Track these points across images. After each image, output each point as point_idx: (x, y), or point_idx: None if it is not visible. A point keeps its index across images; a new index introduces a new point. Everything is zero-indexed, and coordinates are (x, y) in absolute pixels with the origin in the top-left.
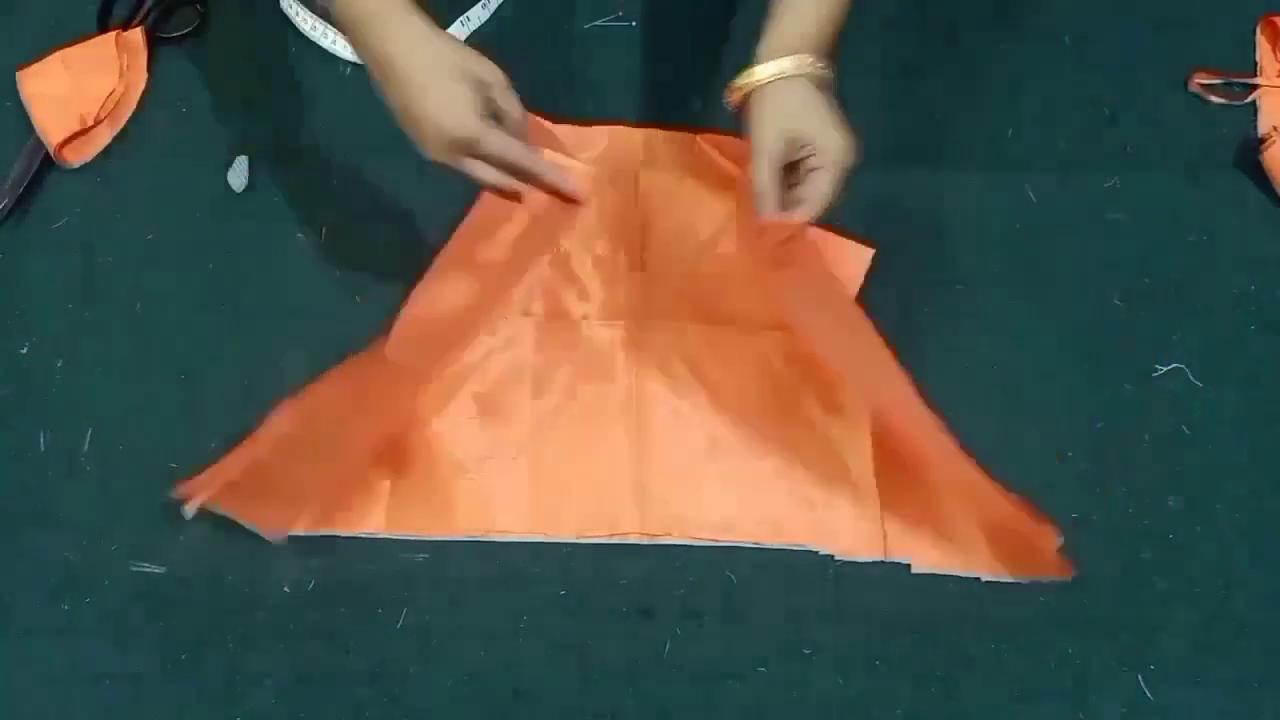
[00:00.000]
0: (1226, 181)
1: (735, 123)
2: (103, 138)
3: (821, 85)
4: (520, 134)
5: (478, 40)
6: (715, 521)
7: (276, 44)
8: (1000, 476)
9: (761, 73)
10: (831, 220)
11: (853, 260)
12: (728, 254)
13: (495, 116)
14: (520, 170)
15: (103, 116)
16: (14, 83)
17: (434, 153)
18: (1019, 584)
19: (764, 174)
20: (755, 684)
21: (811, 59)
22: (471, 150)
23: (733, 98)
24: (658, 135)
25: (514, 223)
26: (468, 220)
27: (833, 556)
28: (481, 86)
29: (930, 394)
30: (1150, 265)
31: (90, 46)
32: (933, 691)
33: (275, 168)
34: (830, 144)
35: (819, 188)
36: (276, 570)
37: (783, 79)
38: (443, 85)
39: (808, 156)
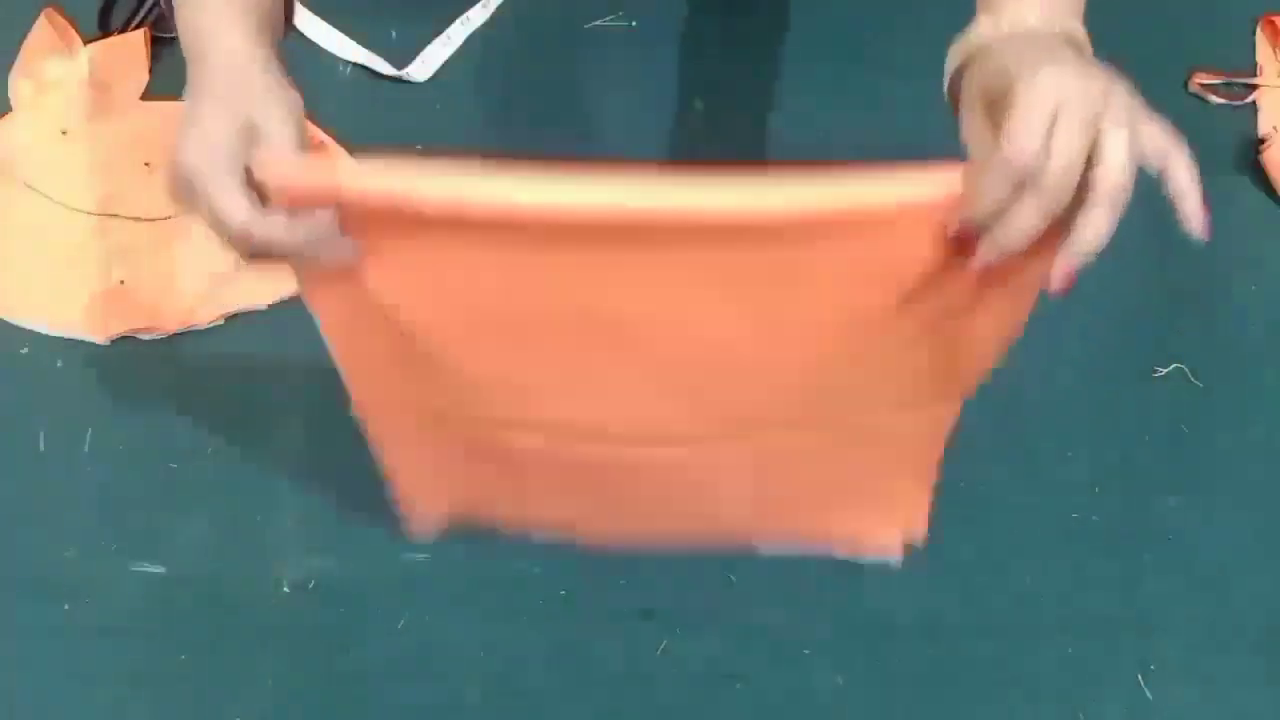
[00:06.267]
0: (1226, 181)
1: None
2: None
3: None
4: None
5: (478, 40)
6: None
7: None
8: (1000, 476)
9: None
10: None
11: None
12: None
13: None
14: (241, 240)
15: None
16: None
17: (166, 181)
18: (1017, 587)
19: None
20: (755, 684)
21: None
22: (194, 193)
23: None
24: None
25: None
26: None
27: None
28: (257, 136)
29: None
30: (1150, 265)
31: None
32: (933, 691)
33: None
34: (1027, 82)
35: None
36: (276, 570)
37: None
38: (213, 116)
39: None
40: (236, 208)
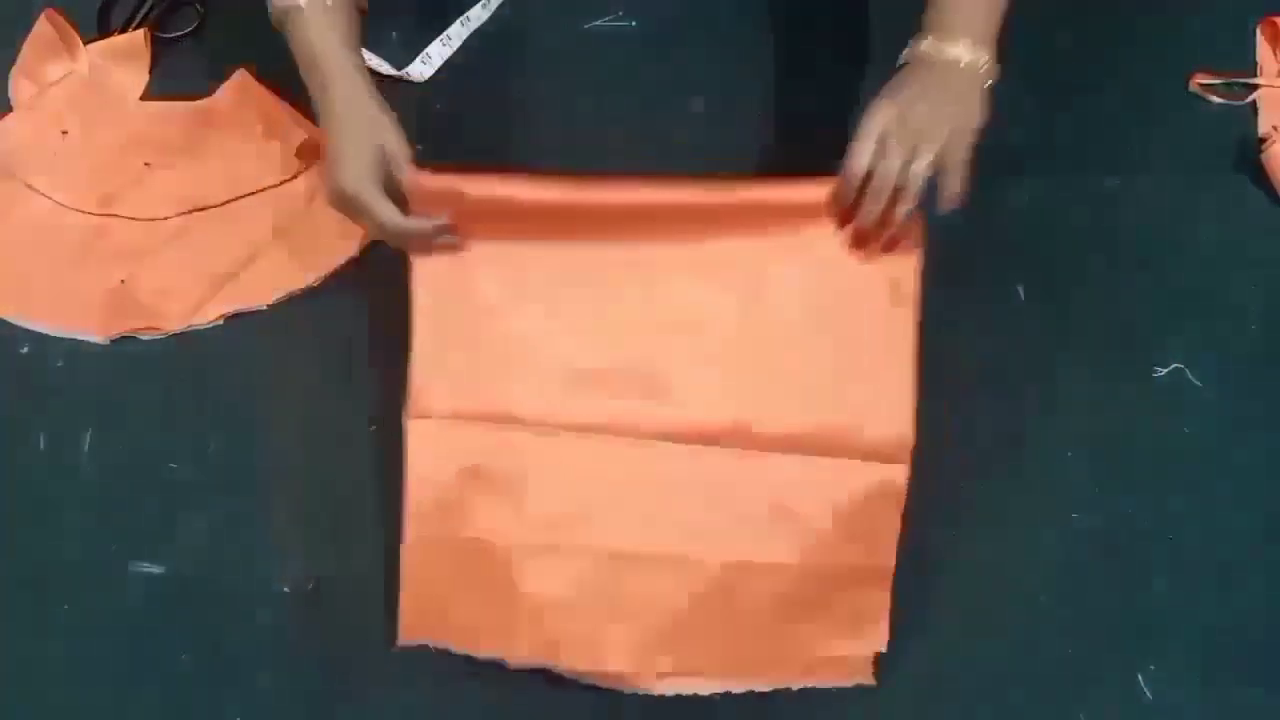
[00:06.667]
0: (1226, 181)
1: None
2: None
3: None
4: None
5: (478, 40)
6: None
7: (276, 44)
8: (1000, 477)
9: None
10: None
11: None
12: None
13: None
14: (392, 235)
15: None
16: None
17: (330, 198)
18: (1017, 588)
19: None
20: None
21: (930, 40)
22: (358, 207)
23: None
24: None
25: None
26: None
27: None
28: (386, 157)
29: (931, 394)
30: (1150, 265)
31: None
32: (933, 691)
33: None
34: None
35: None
36: (277, 570)
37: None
38: (355, 149)
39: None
40: (391, 214)
